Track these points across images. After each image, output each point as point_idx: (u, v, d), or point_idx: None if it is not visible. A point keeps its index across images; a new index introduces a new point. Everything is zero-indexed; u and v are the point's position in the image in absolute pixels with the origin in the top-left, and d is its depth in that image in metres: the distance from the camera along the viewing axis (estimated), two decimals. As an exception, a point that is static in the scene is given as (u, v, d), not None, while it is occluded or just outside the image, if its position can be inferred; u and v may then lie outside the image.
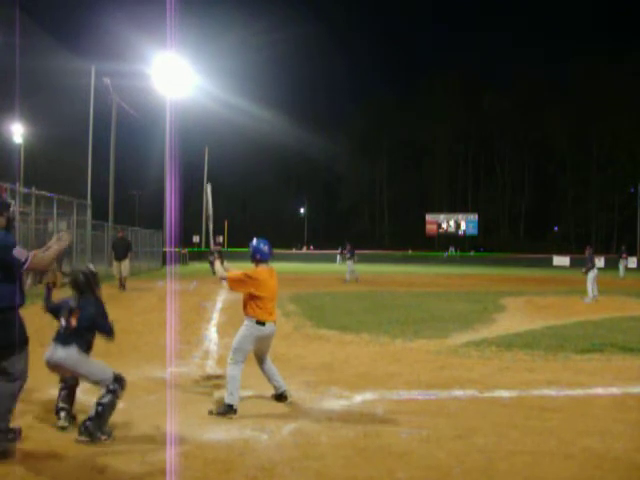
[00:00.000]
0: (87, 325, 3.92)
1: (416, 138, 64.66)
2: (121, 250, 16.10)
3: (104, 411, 3.79)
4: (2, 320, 3.46)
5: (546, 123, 57.74)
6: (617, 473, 3.44)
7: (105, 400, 3.82)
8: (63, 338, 3.85)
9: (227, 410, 4.35)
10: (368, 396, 5.01)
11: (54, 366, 3.85)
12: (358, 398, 4.92)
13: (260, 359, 4.81)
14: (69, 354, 3.80)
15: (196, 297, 13.76)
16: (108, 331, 4.02)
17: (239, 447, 3.71)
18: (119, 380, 3.92)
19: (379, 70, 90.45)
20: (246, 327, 4.59)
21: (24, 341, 3.61)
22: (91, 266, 4.36)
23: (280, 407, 4.66)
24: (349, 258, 19.98)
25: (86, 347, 3.93)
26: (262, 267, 4.69)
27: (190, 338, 7.86)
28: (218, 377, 5.68)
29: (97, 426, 3.74)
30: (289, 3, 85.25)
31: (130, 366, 6.13)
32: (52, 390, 4.21)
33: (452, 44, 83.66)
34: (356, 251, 20.86)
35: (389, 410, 4.58)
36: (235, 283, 4.65)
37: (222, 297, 14.04)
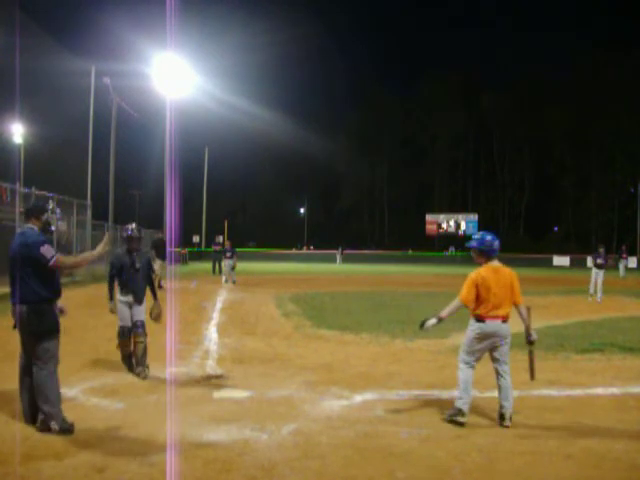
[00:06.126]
0: None
1: (416, 138, 64.63)
2: (163, 250, 16.94)
3: None
4: (34, 311, 3.86)
5: (546, 123, 57.68)
6: (617, 473, 3.43)
7: None
8: None
9: (455, 413, 4.26)
10: (368, 396, 5.00)
11: None
12: (358, 398, 4.92)
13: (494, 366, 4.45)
14: None
15: (196, 297, 13.76)
16: None
17: (239, 447, 3.71)
18: None
19: (379, 70, 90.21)
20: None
21: (55, 330, 3.97)
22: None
23: (280, 407, 4.66)
24: (230, 257, 18.06)
25: None
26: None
27: (190, 338, 7.86)
28: (218, 377, 5.68)
29: None
30: (289, 3, 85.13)
31: (130, 366, 6.13)
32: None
33: (452, 44, 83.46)
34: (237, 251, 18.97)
35: (389, 410, 4.58)
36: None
37: (222, 297, 14.05)
